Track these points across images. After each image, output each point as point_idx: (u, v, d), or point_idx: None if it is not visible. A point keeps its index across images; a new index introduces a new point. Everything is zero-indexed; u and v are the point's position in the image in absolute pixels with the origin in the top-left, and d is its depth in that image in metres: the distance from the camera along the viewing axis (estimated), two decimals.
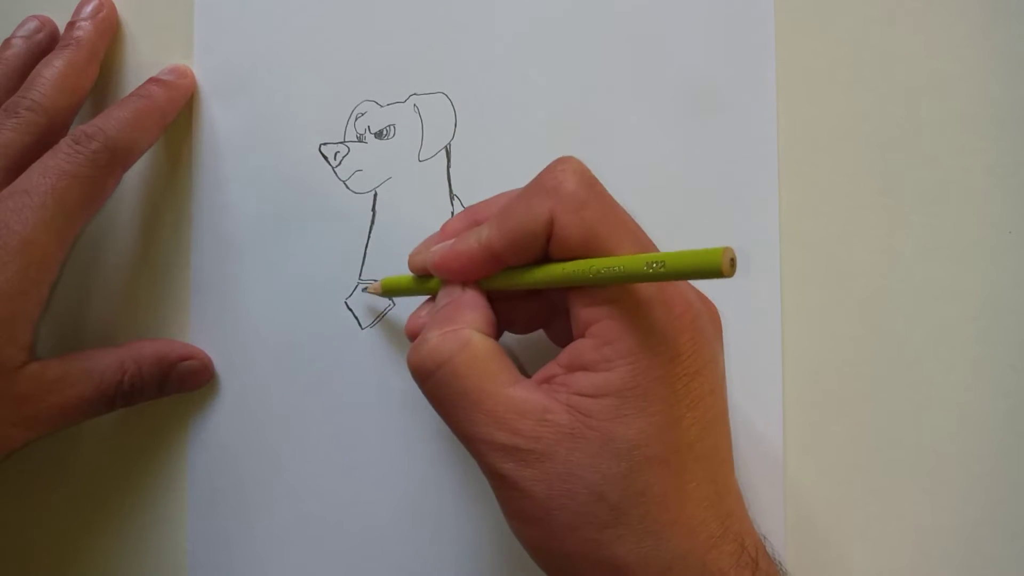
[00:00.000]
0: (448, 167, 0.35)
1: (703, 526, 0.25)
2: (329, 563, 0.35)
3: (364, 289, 0.35)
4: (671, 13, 0.34)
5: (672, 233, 0.34)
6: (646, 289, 0.25)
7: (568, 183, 0.26)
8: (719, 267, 0.21)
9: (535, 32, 0.35)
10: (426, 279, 0.31)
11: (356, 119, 0.36)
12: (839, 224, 0.33)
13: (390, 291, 0.33)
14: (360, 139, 0.36)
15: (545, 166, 0.27)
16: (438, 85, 0.35)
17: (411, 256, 0.31)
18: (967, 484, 0.32)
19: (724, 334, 0.29)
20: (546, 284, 0.26)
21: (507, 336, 0.32)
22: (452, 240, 0.29)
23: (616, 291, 0.25)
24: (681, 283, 0.27)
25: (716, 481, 0.26)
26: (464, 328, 0.27)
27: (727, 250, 0.21)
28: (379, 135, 0.35)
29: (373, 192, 0.35)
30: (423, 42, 0.35)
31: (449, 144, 0.35)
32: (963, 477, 0.32)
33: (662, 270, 0.22)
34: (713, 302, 0.29)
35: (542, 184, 0.26)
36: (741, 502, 0.27)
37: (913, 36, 0.33)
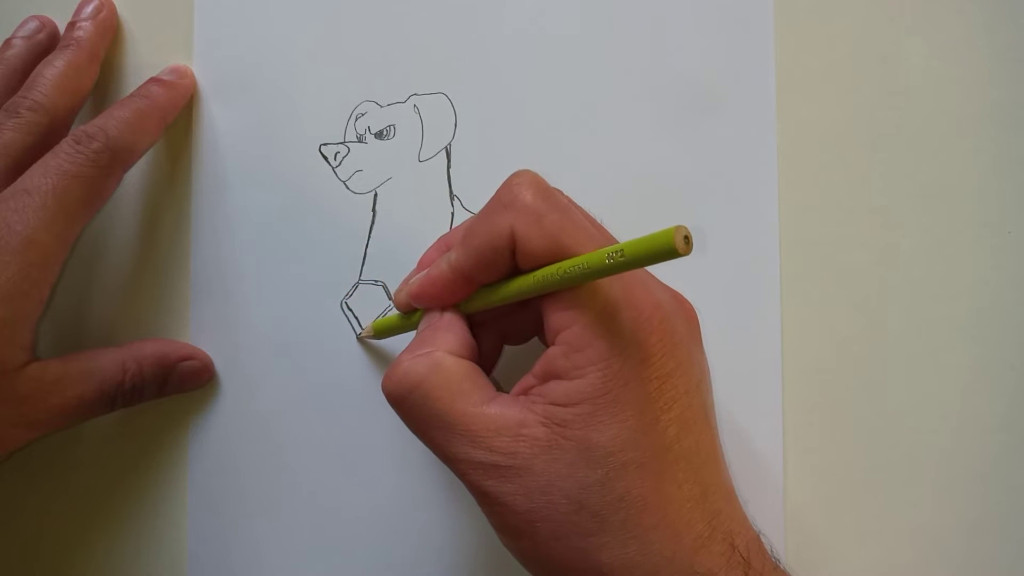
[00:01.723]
0: (448, 167, 0.35)
1: (688, 527, 0.25)
2: (329, 562, 0.35)
3: (358, 335, 0.35)
4: (671, 13, 0.34)
5: None
6: (612, 293, 0.25)
7: (525, 196, 0.26)
8: (673, 246, 0.21)
9: (535, 32, 0.35)
10: (411, 314, 0.31)
11: (356, 119, 0.36)
12: (839, 224, 0.33)
13: (382, 332, 0.33)
14: (360, 139, 0.36)
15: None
16: (438, 85, 0.35)
17: (395, 295, 0.31)
18: (967, 484, 0.32)
19: (724, 334, 0.29)
20: (520, 295, 0.27)
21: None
22: (427, 269, 0.29)
23: (583, 297, 0.25)
24: (651, 284, 0.27)
25: (700, 480, 0.26)
26: (435, 351, 0.27)
27: (679, 228, 0.21)
28: (379, 135, 0.35)
29: (373, 192, 0.35)
30: (423, 42, 0.35)
31: (449, 144, 0.35)
32: (963, 477, 0.32)
33: (622, 259, 0.22)
34: (690, 302, 0.28)
35: (500, 200, 0.26)
36: (732, 499, 0.27)
37: (913, 36, 0.33)
